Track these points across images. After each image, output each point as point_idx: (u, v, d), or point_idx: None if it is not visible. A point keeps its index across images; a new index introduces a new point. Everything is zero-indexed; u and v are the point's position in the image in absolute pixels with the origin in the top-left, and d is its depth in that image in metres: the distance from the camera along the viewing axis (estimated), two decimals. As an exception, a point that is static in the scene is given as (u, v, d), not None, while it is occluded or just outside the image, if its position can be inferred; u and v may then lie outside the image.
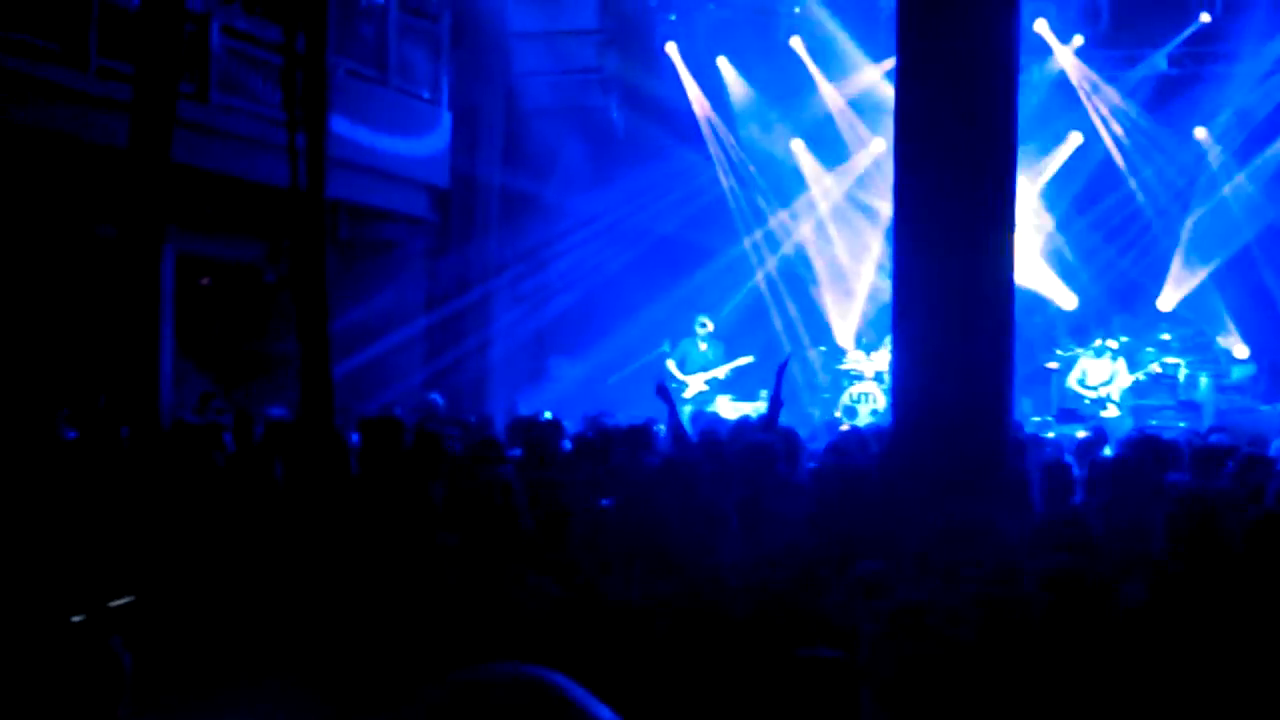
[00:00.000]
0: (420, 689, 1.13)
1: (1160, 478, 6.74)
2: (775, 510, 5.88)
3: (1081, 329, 16.96)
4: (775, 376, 9.01)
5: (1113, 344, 16.07)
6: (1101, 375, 15.97)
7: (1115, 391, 15.86)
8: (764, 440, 7.03)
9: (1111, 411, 15.61)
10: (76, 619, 1.94)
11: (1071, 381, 16.14)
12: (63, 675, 2.11)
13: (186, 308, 15.12)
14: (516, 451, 8.11)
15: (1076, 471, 7.40)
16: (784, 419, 8.92)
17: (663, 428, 8.74)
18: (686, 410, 16.38)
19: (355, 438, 7.85)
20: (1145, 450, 7.46)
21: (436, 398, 14.12)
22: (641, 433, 8.10)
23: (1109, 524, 5.89)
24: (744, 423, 9.05)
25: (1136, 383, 16.04)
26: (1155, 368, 16.22)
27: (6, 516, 3.57)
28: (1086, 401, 15.81)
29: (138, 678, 2.25)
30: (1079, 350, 16.38)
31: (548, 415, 12.15)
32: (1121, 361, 15.98)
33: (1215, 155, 17.17)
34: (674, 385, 16.86)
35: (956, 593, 3.14)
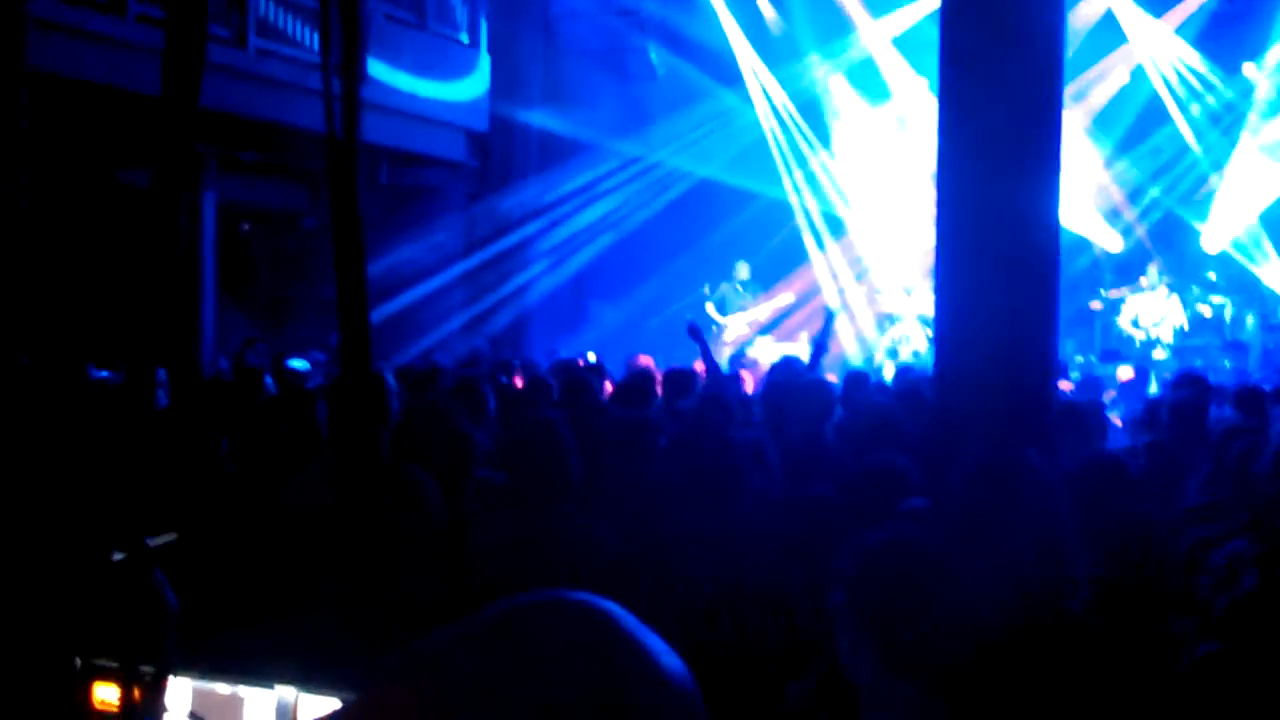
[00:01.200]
0: (469, 614, 1.11)
1: (1204, 419, 6.67)
2: (825, 451, 5.87)
3: (1126, 270, 16.79)
4: (823, 325, 9.00)
5: (1164, 284, 15.90)
6: (1155, 315, 15.80)
7: (1167, 331, 15.71)
8: (819, 380, 7.01)
9: (1160, 354, 15.46)
10: (119, 557, 1.95)
11: (1124, 322, 15.97)
12: (109, 612, 2.12)
13: (229, 253, 15.19)
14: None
15: (1125, 411, 7.36)
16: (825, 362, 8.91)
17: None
18: (726, 353, 16.39)
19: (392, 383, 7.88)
20: (1192, 389, 7.38)
21: (483, 344, 14.16)
22: (684, 375, 8.08)
23: (1153, 464, 5.85)
24: (785, 363, 8.99)
25: (1186, 322, 15.89)
26: (1204, 309, 16.04)
27: (47, 458, 3.60)
28: (1137, 343, 15.65)
29: (185, 615, 2.27)
30: (1130, 289, 16.22)
31: (591, 358, 12.16)
32: (1175, 299, 15.81)
33: (1264, 91, 16.88)
34: (714, 328, 16.85)
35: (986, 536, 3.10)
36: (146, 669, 2.17)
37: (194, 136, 1.91)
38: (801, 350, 13.25)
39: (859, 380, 8.29)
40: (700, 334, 8.87)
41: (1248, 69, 16.91)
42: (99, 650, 2.33)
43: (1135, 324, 15.90)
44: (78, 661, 2.37)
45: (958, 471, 3.33)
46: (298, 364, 9.34)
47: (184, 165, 1.87)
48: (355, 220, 1.86)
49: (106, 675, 2.36)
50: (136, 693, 2.06)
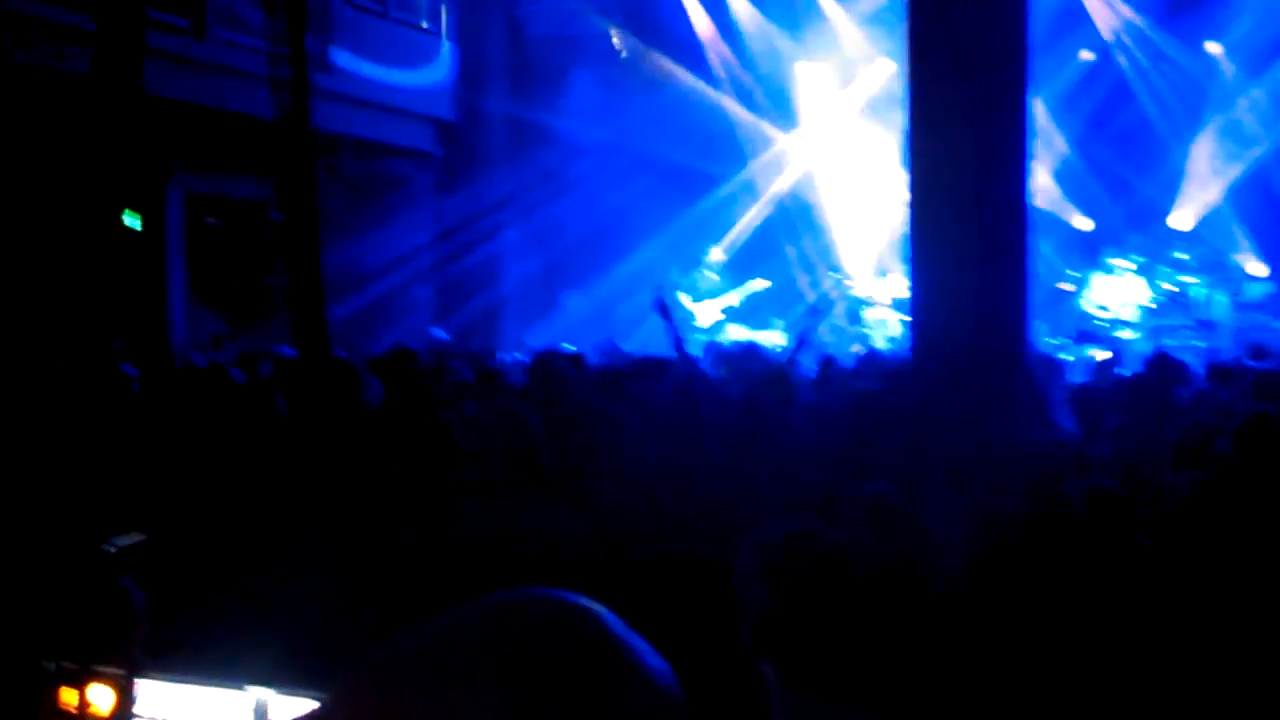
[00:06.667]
0: (452, 607, 1.08)
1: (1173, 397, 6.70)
2: (800, 435, 5.86)
3: (1095, 250, 16.81)
4: (807, 318, 8.98)
5: (1129, 264, 15.92)
6: (1120, 296, 15.82)
7: (1133, 313, 15.72)
8: (783, 367, 7.01)
9: (1128, 334, 15.49)
10: (87, 558, 1.91)
11: (1089, 305, 15.98)
12: (76, 614, 2.08)
13: (197, 247, 15.07)
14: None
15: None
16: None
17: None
18: (699, 340, 16.34)
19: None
20: (1162, 370, 7.40)
21: (440, 333, 14.07)
22: (657, 363, 8.06)
23: (1124, 444, 5.87)
24: (752, 348, 8.99)
25: (1153, 302, 15.90)
26: (1169, 288, 16.08)
27: (16, 458, 3.55)
28: (1105, 324, 15.67)
29: (152, 615, 2.23)
30: (1094, 270, 16.24)
31: (567, 348, 12.10)
32: (1142, 281, 15.84)
33: (1229, 69, 16.92)
34: (683, 314, 16.78)
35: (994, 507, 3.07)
36: (115, 671, 2.13)
37: (139, 125, 1.86)
38: (775, 338, 13.25)
39: (826, 366, 8.30)
40: (668, 310, 8.79)
41: (1212, 48, 16.95)
42: (67, 653, 2.29)
43: (1099, 305, 15.90)
44: (48, 665, 2.33)
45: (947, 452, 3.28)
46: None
47: (135, 155, 1.83)
48: (310, 206, 1.80)
49: (75, 677, 2.32)
50: (107, 695, 2.02)
